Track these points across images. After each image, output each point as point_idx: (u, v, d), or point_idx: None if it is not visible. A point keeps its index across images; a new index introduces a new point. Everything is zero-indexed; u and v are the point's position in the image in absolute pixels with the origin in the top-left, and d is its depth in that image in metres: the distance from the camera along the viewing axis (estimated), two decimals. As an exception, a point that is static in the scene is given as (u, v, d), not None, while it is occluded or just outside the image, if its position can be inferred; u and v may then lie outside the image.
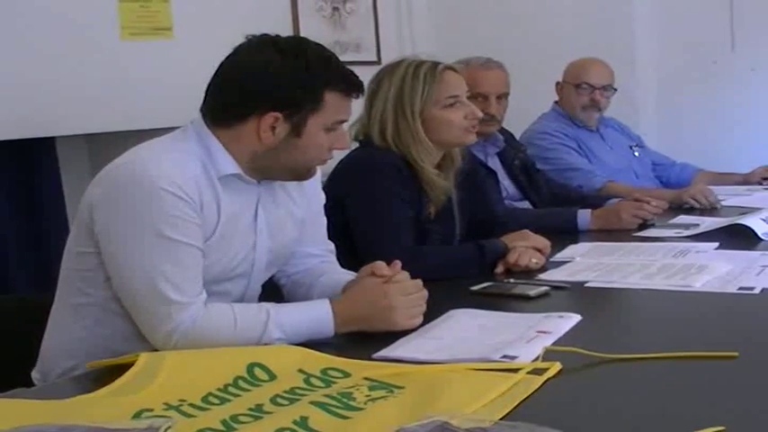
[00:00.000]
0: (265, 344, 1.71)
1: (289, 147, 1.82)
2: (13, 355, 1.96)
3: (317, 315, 1.78)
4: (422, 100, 2.42)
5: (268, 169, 1.87)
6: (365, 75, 1.93)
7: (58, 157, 3.72)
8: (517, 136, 3.60)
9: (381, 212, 2.33)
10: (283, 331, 1.73)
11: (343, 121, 1.88)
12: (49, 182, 3.77)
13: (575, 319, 1.82)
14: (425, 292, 1.84)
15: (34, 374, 1.91)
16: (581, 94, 3.83)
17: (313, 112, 1.81)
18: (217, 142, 1.82)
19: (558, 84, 3.92)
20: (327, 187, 2.24)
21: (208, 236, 1.78)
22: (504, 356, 1.58)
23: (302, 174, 1.92)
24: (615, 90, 3.88)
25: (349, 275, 2.01)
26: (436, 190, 2.43)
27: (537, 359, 1.56)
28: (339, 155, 2.09)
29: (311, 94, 1.80)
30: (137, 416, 1.38)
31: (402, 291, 1.80)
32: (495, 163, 3.21)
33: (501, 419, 1.29)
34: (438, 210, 2.46)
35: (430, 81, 2.43)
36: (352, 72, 1.86)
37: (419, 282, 1.85)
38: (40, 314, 1.97)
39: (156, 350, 1.73)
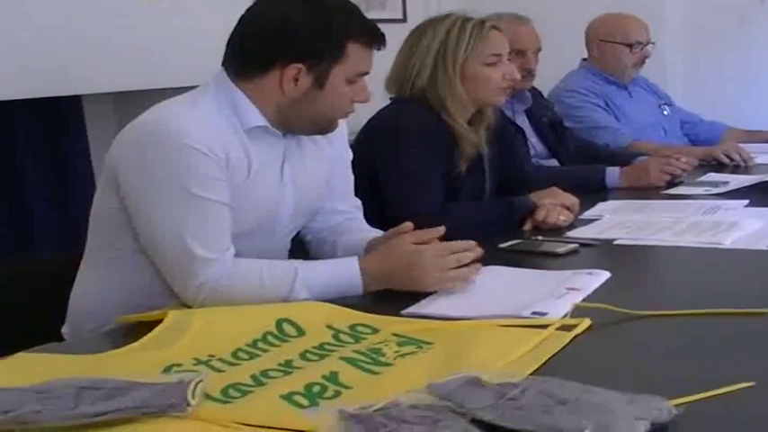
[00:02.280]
0: (290, 300, 1.71)
1: (311, 98, 1.82)
2: (42, 312, 1.97)
3: (345, 273, 1.77)
4: (465, 53, 2.40)
5: (291, 122, 1.86)
6: (390, 32, 1.91)
7: (84, 116, 3.73)
8: (543, 93, 3.56)
9: (411, 170, 2.32)
10: (310, 291, 1.72)
11: (365, 74, 1.86)
12: (76, 141, 3.78)
13: (604, 275, 1.81)
14: (460, 257, 1.78)
15: (64, 330, 1.92)
16: (634, 52, 3.81)
17: (335, 63, 1.80)
18: (241, 95, 1.81)
19: (592, 42, 3.87)
20: (357, 145, 2.23)
21: (235, 189, 1.77)
22: (534, 312, 1.58)
23: (325, 126, 1.91)
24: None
25: (372, 233, 2.01)
26: (467, 145, 2.41)
27: (566, 315, 1.56)
28: (363, 111, 2.07)
29: (333, 44, 1.79)
30: (166, 370, 1.38)
31: (435, 252, 1.77)
32: (522, 120, 3.19)
33: (531, 375, 1.28)
34: (468, 166, 2.44)
35: (476, 36, 2.41)
36: (374, 24, 1.85)
37: (454, 244, 1.80)
38: (67, 271, 1.98)
39: (185, 305, 1.74)
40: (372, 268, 1.78)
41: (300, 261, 1.79)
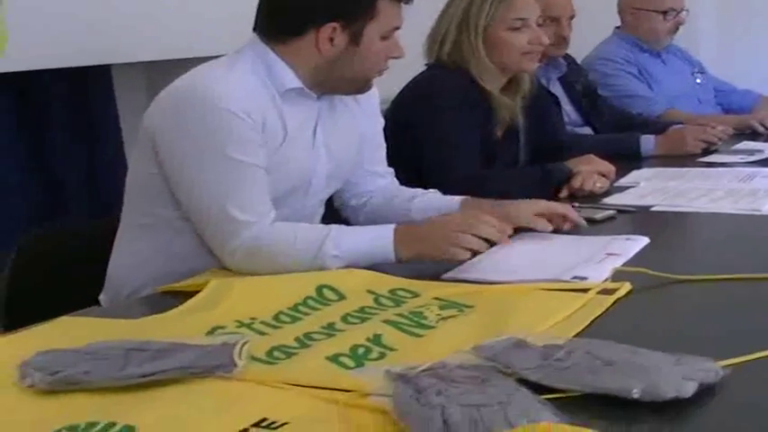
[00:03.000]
0: (321, 262, 1.70)
1: (348, 57, 1.82)
2: (78, 280, 1.99)
3: (377, 235, 1.74)
4: (487, 17, 2.40)
5: (327, 82, 1.86)
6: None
7: (113, 86, 3.74)
8: (577, 61, 3.54)
9: (447, 136, 2.32)
10: (339, 249, 1.70)
11: (397, 28, 1.86)
12: (105, 110, 3.80)
13: (642, 241, 1.81)
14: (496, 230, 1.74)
15: (102, 297, 1.93)
16: (668, 20, 3.77)
17: (369, 20, 1.80)
18: (276, 58, 1.82)
19: (625, 9, 3.84)
20: (392, 112, 2.23)
21: (271, 152, 1.78)
22: (575, 277, 1.58)
23: (361, 85, 1.91)
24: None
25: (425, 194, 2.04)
26: (502, 111, 2.41)
27: (606, 280, 1.55)
28: (397, 80, 2.07)
29: (366, 1, 1.80)
30: (210, 333, 1.39)
31: (466, 216, 1.76)
32: (557, 88, 3.17)
33: (574, 337, 1.28)
34: (504, 134, 2.44)
35: (499, 1, 2.40)
36: None
37: (496, 220, 1.75)
38: (101, 239, 2.00)
39: (225, 270, 1.74)
40: (405, 231, 1.75)
41: (338, 225, 1.79)
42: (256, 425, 1.05)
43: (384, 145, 2.11)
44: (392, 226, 1.75)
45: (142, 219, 1.87)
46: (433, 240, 1.70)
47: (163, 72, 3.43)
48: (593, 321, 1.38)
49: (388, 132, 2.11)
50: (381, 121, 2.10)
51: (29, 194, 4.27)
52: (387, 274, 1.65)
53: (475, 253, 1.69)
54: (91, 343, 1.30)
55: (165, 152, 1.76)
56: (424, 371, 1.09)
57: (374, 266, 1.70)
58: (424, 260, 1.71)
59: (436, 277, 1.64)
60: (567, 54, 3.26)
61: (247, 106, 1.73)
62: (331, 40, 1.79)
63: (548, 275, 1.60)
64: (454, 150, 2.31)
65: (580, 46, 3.64)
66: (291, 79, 1.82)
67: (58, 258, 2.07)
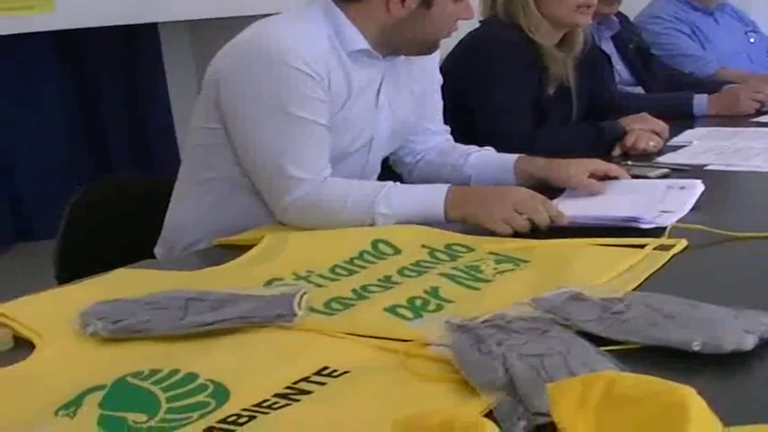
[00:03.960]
0: (371, 220, 1.70)
1: (419, 19, 1.80)
2: (132, 235, 2.01)
3: (430, 195, 1.74)
4: None
5: (395, 43, 1.85)
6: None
7: (160, 44, 3.75)
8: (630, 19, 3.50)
9: (500, 93, 2.31)
10: (390, 207, 1.70)
11: None
12: (152, 68, 3.83)
13: (697, 188, 1.79)
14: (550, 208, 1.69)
15: (157, 250, 1.95)
16: None
17: None
18: (344, 17, 1.80)
19: None
20: (445, 68, 2.21)
21: (335, 111, 1.78)
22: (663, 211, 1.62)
23: (429, 47, 1.90)
24: None
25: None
26: (555, 68, 2.39)
27: (662, 236, 1.55)
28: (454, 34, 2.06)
29: None
30: (267, 285, 1.40)
31: (521, 191, 1.72)
32: (609, 46, 3.14)
33: (632, 291, 1.28)
34: (556, 91, 2.42)
35: None
36: None
37: (544, 199, 1.70)
38: (154, 194, 2.02)
39: (280, 223, 1.76)
40: (458, 195, 1.73)
41: (390, 183, 1.79)
42: (317, 373, 1.06)
43: (441, 103, 2.10)
44: (446, 186, 1.74)
45: (200, 174, 1.88)
46: (486, 209, 1.67)
47: (209, 30, 3.44)
48: (650, 276, 1.37)
49: (442, 89, 2.10)
50: (440, 80, 2.09)
51: (77, 154, 4.32)
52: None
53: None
54: (150, 293, 1.32)
55: (226, 103, 1.77)
56: (483, 322, 1.10)
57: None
58: (469, 224, 1.70)
59: (490, 234, 1.64)
60: (619, 12, 3.22)
61: (314, 63, 1.72)
62: (402, 1, 1.78)
63: (629, 213, 1.62)
64: (507, 107, 2.30)
65: (633, 4, 3.60)
66: (359, 40, 1.81)
67: (112, 213, 2.09)
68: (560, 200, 1.77)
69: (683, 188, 1.80)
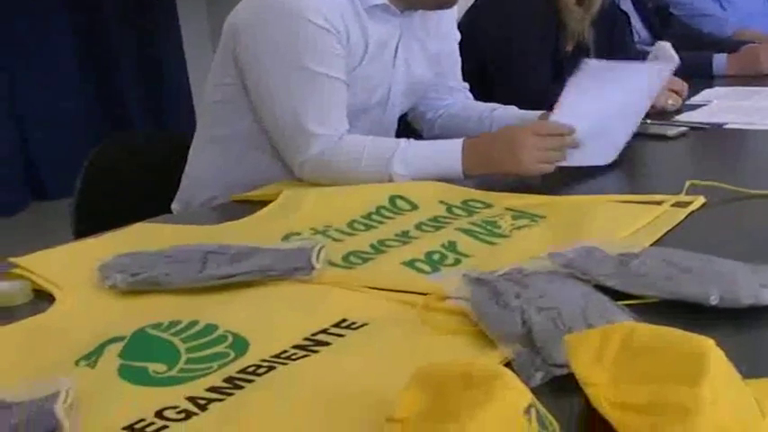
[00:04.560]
0: (388, 178, 1.70)
1: None
2: (148, 191, 2.01)
3: (445, 150, 1.73)
4: None
5: None
6: None
7: (177, 13, 3.74)
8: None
9: (518, 51, 2.30)
10: (406, 165, 1.70)
11: None
12: (167, 24, 3.82)
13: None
14: (567, 140, 1.71)
15: (174, 206, 1.96)
16: None
17: None
18: None
19: None
20: (463, 25, 2.20)
21: (353, 67, 1.77)
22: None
23: (448, 0, 1.88)
24: None
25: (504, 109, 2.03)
26: (573, 24, 2.37)
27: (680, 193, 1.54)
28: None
29: None
30: (285, 239, 1.41)
31: (536, 130, 1.70)
32: (627, 5, 3.12)
33: (649, 247, 1.27)
34: (575, 47, 2.41)
35: None
36: None
37: (561, 126, 1.71)
38: (171, 151, 2.02)
39: (297, 179, 1.76)
40: (473, 147, 1.72)
41: (405, 140, 1.79)
42: (336, 325, 1.07)
43: (459, 60, 2.09)
44: (460, 140, 1.73)
45: (218, 130, 1.89)
46: (513, 157, 1.67)
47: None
48: (667, 233, 1.37)
49: (460, 46, 2.09)
50: (458, 36, 2.08)
51: (91, 112, 4.33)
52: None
53: None
54: (170, 246, 1.33)
55: (243, 58, 1.77)
56: (501, 275, 1.10)
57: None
58: (491, 174, 1.70)
59: (508, 190, 1.64)
60: (638, -29, 3.20)
61: (332, 19, 1.72)
62: None
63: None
64: (525, 64, 2.29)
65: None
66: None
67: (128, 171, 2.10)
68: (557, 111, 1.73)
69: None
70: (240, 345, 1.03)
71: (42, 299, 1.23)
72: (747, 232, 1.42)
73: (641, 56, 2.86)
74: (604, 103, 1.71)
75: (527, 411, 0.67)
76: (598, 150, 1.75)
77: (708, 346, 0.75)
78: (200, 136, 1.93)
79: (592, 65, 1.67)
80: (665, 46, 2.08)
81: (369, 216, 1.51)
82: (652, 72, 1.82)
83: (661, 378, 0.73)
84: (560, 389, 0.87)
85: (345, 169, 1.72)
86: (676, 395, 0.71)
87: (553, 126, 1.70)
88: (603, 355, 0.79)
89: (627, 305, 1.05)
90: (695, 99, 2.48)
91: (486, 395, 0.67)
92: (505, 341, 0.95)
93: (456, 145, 1.73)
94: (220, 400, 0.90)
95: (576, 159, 1.71)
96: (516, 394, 0.68)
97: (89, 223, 1.86)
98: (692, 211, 1.47)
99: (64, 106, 4.28)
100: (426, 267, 1.25)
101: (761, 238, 1.37)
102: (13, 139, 4.31)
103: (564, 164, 1.69)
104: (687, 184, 1.56)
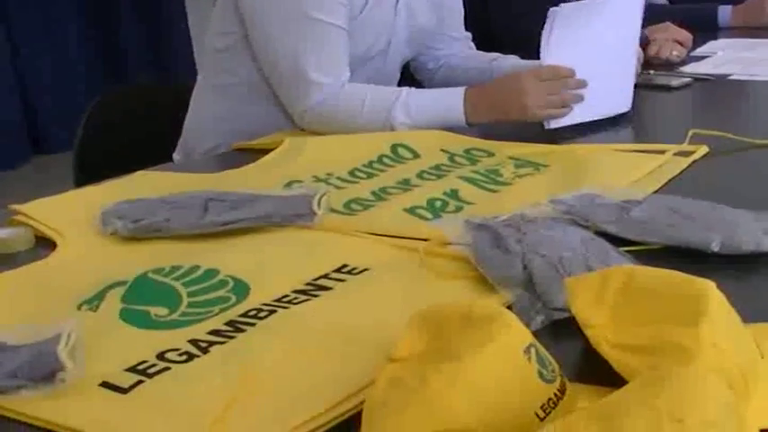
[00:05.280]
0: (390, 127, 1.70)
1: None
2: (149, 141, 2.01)
3: (447, 98, 1.72)
4: None
5: None
6: None
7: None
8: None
9: None
10: (408, 114, 1.69)
11: None
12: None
13: None
14: (569, 81, 1.69)
15: (176, 156, 1.95)
16: None
17: None
18: None
19: None
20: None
21: (354, 15, 1.76)
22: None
23: None
24: None
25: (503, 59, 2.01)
26: None
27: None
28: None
29: None
30: (286, 186, 1.40)
31: (537, 75, 1.69)
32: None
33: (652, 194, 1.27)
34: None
35: None
36: None
37: (560, 68, 1.69)
38: (172, 101, 2.01)
39: (299, 129, 1.76)
40: (476, 95, 1.71)
41: (408, 88, 1.78)
42: (337, 270, 1.07)
43: (462, 9, 2.08)
44: (462, 88, 1.72)
45: (219, 79, 1.87)
46: (518, 103, 1.67)
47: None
48: (669, 181, 1.37)
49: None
50: None
51: (94, 70, 4.32)
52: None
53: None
54: (170, 193, 1.33)
55: (245, 6, 1.75)
56: (503, 221, 1.10)
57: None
58: (494, 121, 1.70)
59: (510, 139, 1.63)
60: None
61: None
62: None
63: None
64: (524, 11, 2.26)
65: None
66: None
67: (129, 121, 2.10)
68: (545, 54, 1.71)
69: None
70: (241, 289, 1.03)
71: (44, 246, 1.24)
72: (750, 181, 1.42)
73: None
74: (590, 46, 1.70)
75: (527, 351, 0.67)
76: (611, 97, 1.74)
77: (708, 287, 0.75)
78: (201, 85, 1.92)
79: (562, 12, 1.66)
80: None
81: (370, 164, 1.50)
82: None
83: (661, 319, 0.73)
84: (561, 332, 0.87)
85: (346, 118, 1.71)
86: (676, 336, 0.71)
87: (554, 69, 1.69)
88: (603, 297, 0.79)
89: (628, 251, 1.05)
90: (700, 50, 2.46)
91: (485, 335, 0.67)
92: (506, 285, 0.96)
93: (457, 92, 1.72)
94: (222, 342, 0.90)
95: (593, 113, 1.70)
96: (516, 334, 0.68)
97: (90, 175, 1.85)
98: (695, 160, 1.46)
99: (64, 58, 4.27)
100: (427, 214, 1.25)
101: (763, 187, 1.37)
102: (13, 93, 4.31)
103: (585, 119, 1.69)
104: (690, 133, 1.55)
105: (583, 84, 1.68)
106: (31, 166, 4.47)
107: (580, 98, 1.69)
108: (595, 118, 1.71)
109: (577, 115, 1.69)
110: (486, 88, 1.74)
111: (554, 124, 1.68)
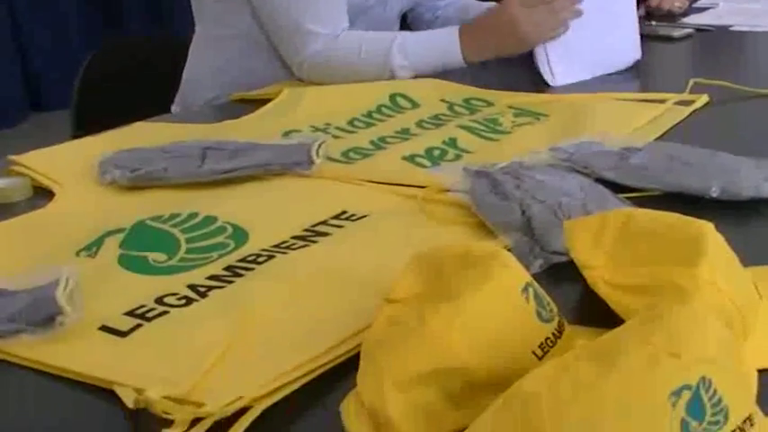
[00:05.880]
0: (390, 73, 1.69)
1: None
2: (147, 92, 2.00)
3: (443, 39, 1.71)
4: None
5: None
6: None
7: None
8: None
9: None
10: (406, 57, 1.68)
11: None
12: None
13: None
14: (555, 4, 1.66)
15: (174, 108, 1.94)
16: None
17: None
18: None
19: None
20: None
21: None
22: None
23: None
24: None
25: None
26: None
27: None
28: None
29: None
30: (285, 135, 1.40)
31: (523, 2, 1.67)
32: None
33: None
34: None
35: None
36: None
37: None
38: (169, 52, 2.00)
39: (299, 80, 1.75)
40: (470, 32, 1.71)
41: (402, 32, 1.76)
42: (336, 217, 1.07)
43: None
44: (455, 27, 1.72)
45: (217, 31, 1.86)
46: (515, 35, 1.67)
47: None
48: (670, 130, 1.36)
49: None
50: None
51: (92, 24, 4.29)
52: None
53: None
54: (169, 143, 1.32)
55: None
56: (501, 168, 1.09)
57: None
58: (493, 57, 1.70)
59: (510, 88, 1.62)
60: None
61: None
62: None
63: None
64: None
65: None
66: None
67: (127, 74, 2.09)
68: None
69: None
70: (240, 235, 1.03)
71: (41, 196, 1.23)
72: (750, 130, 1.42)
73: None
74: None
75: (525, 290, 0.67)
76: (617, 50, 1.74)
77: (707, 228, 0.74)
78: (199, 37, 1.91)
79: None
80: None
81: (369, 114, 1.50)
82: None
83: (659, 260, 0.73)
84: (559, 276, 0.87)
85: (344, 65, 1.70)
86: (674, 276, 0.71)
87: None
88: (602, 239, 0.79)
89: (627, 198, 1.05)
90: (702, 1, 2.45)
91: (484, 274, 0.67)
92: (504, 230, 0.95)
93: (452, 30, 1.72)
94: (220, 287, 0.90)
95: (603, 67, 1.70)
96: (514, 273, 0.68)
97: (88, 130, 1.84)
98: (696, 110, 1.45)
99: (61, 11, 4.24)
100: (426, 162, 1.25)
101: (764, 136, 1.37)
102: (11, 51, 4.29)
103: (596, 73, 1.69)
104: (691, 82, 1.55)
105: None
106: (29, 123, 4.45)
107: (579, 13, 1.67)
108: (607, 72, 1.70)
109: (588, 71, 1.68)
110: (479, 25, 1.73)
111: (560, 81, 1.66)
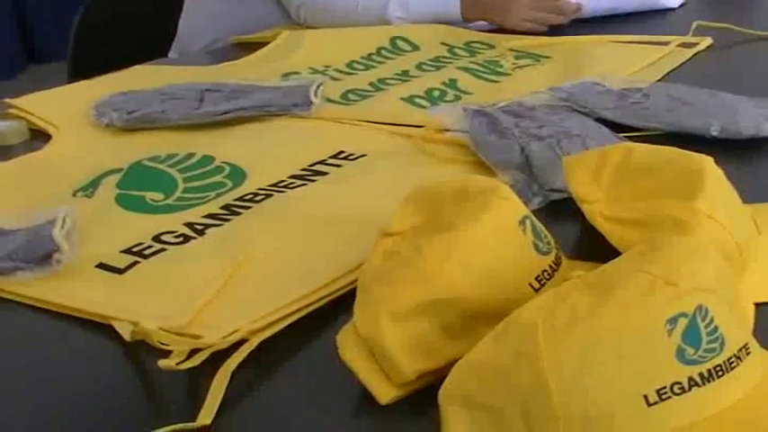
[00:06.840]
0: (387, 22, 1.67)
1: None
2: (145, 44, 1.97)
3: None
4: None
5: None
6: None
7: None
8: None
9: None
10: (406, 9, 1.67)
11: None
12: None
13: None
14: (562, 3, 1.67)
15: (171, 54, 1.92)
16: None
17: None
18: None
19: None
20: None
21: None
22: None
23: None
24: None
25: None
26: None
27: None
28: None
29: None
30: (284, 77, 1.39)
31: None
32: None
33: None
34: None
35: None
36: None
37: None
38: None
39: (296, 24, 1.73)
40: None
41: None
42: (334, 156, 1.06)
43: None
44: None
45: None
46: (503, 12, 1.64)
47: None
48: (672, 72, 1.35)
49: None
50: None
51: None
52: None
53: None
54: (167, 84, 1.31)
55: None
56: (501, 108, 1.09)
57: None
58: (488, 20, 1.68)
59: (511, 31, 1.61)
60: None
61: None
62: None
63: None
64: None
65: None
66: None
67: (123, 23, 2.06)
68: None
69: None
70: (237, 175, 1.02)
71: (38, 139, 1.22)
72: (752, 72, 1.41)
73: None
74: None
75: (522, 222, 0.67)
76: None
77: (706, 163, 0.74)
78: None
79: None
80: None
81: (369, 57, 1.49)
82: None
83: (657, 194, 0.73)
84: (558, 213, 0.87)
85: (342, 15, 1.68)
86: (673, 209, 0.70)
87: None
88: (601, 174, 0.78)
89: (627, 137, 1.04)
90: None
91: (480, 207, 0.66)
92: (503, 168, 0.95)
93: None
94: (218, 225, 0.90)
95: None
96: (511, 206, 0.68)
97: (86, 67, 1.83)
98: (698, 52, 1.44)
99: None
100: (426, 103, 1.24)
101: (766, 78, 1.36)
102: (7, 4, 4.25)
103: (628, 9, 1.71)
104: (694, 24, 1.53)
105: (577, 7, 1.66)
106: (26, 75, 4.43)
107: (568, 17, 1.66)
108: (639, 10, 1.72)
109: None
110: None
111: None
